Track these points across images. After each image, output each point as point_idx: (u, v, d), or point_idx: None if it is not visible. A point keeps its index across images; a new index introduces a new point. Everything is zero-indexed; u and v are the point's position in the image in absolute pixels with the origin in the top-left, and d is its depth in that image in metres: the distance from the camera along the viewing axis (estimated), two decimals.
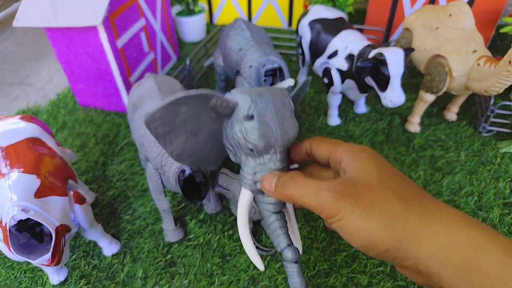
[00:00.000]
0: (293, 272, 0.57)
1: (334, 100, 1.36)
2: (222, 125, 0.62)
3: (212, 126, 0.62)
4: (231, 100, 0.57)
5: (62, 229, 0.74)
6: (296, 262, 0.57)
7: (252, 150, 0.57)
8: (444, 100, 1.50)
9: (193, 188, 0.90)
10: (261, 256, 0.96)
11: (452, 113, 1.44)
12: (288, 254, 0.57)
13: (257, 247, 0.99)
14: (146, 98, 1.01)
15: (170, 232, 1.01)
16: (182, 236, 1.02)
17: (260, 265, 0.61)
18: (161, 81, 1.06)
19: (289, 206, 0.64)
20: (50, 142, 0.92)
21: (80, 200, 0.83)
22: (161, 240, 1.02)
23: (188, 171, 0.84)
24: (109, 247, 0.98)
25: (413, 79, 1.65)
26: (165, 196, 0.99)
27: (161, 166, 0.89)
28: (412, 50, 1.12)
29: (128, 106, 1.08)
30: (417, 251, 0.38)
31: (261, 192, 0.59)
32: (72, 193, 0.83)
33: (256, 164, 0.59)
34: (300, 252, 0.61)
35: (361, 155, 0.46)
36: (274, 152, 0.58)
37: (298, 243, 0.63)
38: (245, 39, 1.18)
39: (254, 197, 0.61)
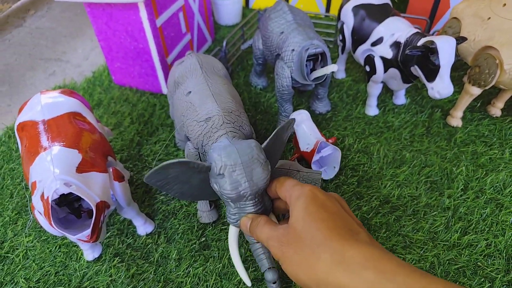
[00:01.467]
0: None
1: (375, 90, 1.32)
2: (207, 174, 0.75)
3: (198, 176, 0.74)
4: (206, 163, 0.72)
5: (102, 206, 0.74)
6: (274, 283, 0.77)
7: (227, 199, 0.71)
8: (489, 94, 1.43)
9: None
10: None
11: (496, 109, 1.38)
12: (269, 275, 0.76)
13: None
14: (188, 76, 1.00)
15: (205, 213, 1.00)
16: (216, 218, 1.01)
17: (247, 281, 0.76)
18: (204, 60, 1.04)
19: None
20: (90, 117, 0.92)
21: (120, 177, 0.83)
22: (195, 223, 1.02)
23: None
24: (143, 226, 0.98)
25: (455, 72, 1.58)
26: None
27: (201, 146, 0.88)
28: (465, 39, 1.06)
29: (169, 84, 1.07)
30: None
31: None
32: (111, 170, 0.83)
33: (235, 207, 0.72)
34: None
35: (297, 202, 0.54)
36: (245, 199, 0.70)
37: None
38: (288, 22, 1.14)
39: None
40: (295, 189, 0.57)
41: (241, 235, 0.97)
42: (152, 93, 1.49)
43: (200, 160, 0.94)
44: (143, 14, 1.22)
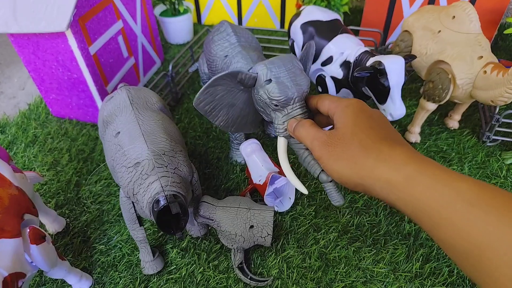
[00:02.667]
0: (330, 189, 0.73)
1: None
2: (251, 94, 0.84)
3: (243, 96, 0.86)
4: (252, 72, 0.80)
5: (12, 279, 0.63)
6: (330, 181, 0.72)
7: (276, 105, 0.77)
8: (446, 106, 1.40)
9: (170, 218, 0.79)
10: None
11: (454, 121, 1.35)
12: (323, 176, 0.71)
13: (251, 278, 0.89)
14: (118, 114, 0.90)
15: (148, 264, 0.91)
16: (161, 267, 0.92)
17: (304, 189, 0.80)
18: (135, 94, 0.95)
19: None
20: (3, 169, 0.80)
21: (38, 238, 0.72)
22: (138, 274, 0.92)
23: (162, 201, 0.73)
24: (78, 284, 0.87)
25: (413, 84, 1.55)
26: (141, 225, 0.88)
27: (133, 194, 0.79)
28: (414, 57, 1.02)
29: (98, 123, 0.97)
30: (374, 186, 0.51)
31: (292, 137, 0.76)
32: (28, 230, 0.72)
33: (283, 115, 0.77)
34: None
35: (346, 110, 0.59)
36: (293, 102, 0.76)
37: None
38: (232, 45, 1.06)
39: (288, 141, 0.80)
40: (342, 101, 0.62)
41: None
42: (94, 124, 1.38)
43: (134, 209, 0.84)
44: (73, 42, 1.11)
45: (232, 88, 0.84)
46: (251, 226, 0.89)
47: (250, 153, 1.08)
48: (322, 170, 0.71)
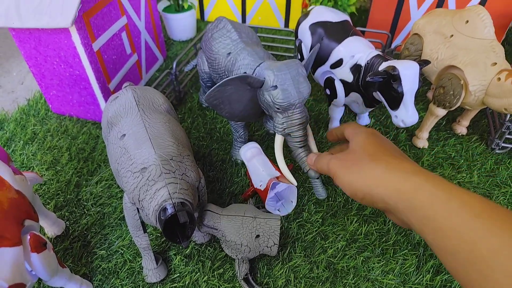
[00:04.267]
0: (316, 185, 0.94)
1: (336, 113, 1.23)
2: (256, 93, 0.91)
3: (249, 94, 0.93)
4: (259, 77, 0.87)
5: None
6: (317, 178, 0.92)
7: (278, 108, 0.87)
8: (454, 112, 1.38)
9: (177, 226, 0.76)
10: None
11: (462, 127, 1.33)
12: (312, 173, 0.91)
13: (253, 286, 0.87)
14: (123, 115, 0.86)
15: (151, 272, 0.88)
16: (164, 275, 0.89)
17: (293, 181, 0.95)
18: (141, 94, 0.91)
19: (308, 129, 0.94)
20: (2, 171, 0.76)
21: (39, 246, 0.69)
22: (140, 281, 0.89)
23: (170, 210, 0.70)
24: None
25: (421, 88, 1.52)
26: (145, 231, 0.85)
27: (138, 201, 0.76)
28: (428, 62, 0.99)
29: (102, 124, 0.93)
30: (382, 195, 0.52)
31: (289, 135, 0.91)
32: (29, 237, 0.69)
33: (283, 117, 0.89)
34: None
35: (360, 133, 0.64)
36: (294, 108, 0.87)
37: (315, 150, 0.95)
38: (234, 41, 1.03)
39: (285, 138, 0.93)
40: (361, 127, 0.67)
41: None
42: (95, 122, 1.34)
43: (139, 215, 0.81)
44: (76, 38, 1.07)
45: (240, 88, 0.90)
46: (257, 236, 0.86)
47: (250, 158, 1.05)
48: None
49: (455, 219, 0.44)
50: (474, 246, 0.41)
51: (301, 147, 0.92)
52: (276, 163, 0.98)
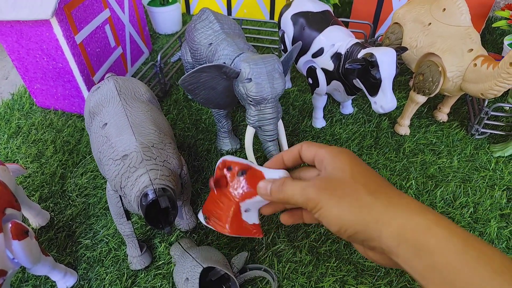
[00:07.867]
0: None
1: (320, 102, 1.25)
2: (232, 82, 0.94)
3: (224, 83, 0.95)
4: (235, 68, 0.89)
5: None
6: None
7: (251, 101, 0.89)
8: (435, 99, 1.40)
9: (159, 212, 0.77)
10: None
11: (443, 114, 1.35)
12: None
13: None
14: (104, 105, 0.87)
15: (135, 259, 0.89)
16: (149, 262, 0.90)
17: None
18: (123, 84, 0.92)
19: (280, 124, 0.98)
20: None
21: (21, 234, 0.70)
22: (125, 269, 0.90)
23: (151, 195, 0.71)
24: (63, 280, 0.85)
25: (402, 76, 1.55)
26: (128, 219, 0.86)
27: (120, 188, 0.77)
28: (405, 49, 1.01)
29: (85, 113, 0.94)
30: (379, 233, 0.45)
31: (260, 128, 0.95)
32: (10, 225, 0.69)
33: (255, 110, 0.92)
34: None
35: (338, 156, 0.53)
36: (266, 102, 0.90)
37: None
38: (215, 32, 1.04)
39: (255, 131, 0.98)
40: (332, 147, 0.56)
41: None
42: (80, 115, 1.34)
43: (121, 203, 0.82)
44: (58, 31, 1.08)
45: (215, 76, 0.93)
46: (187, 279, 0.82)
47: None
48: None
49: (471, 273, 0.39)
50: None
51: (271, 141, 0.97)
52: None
